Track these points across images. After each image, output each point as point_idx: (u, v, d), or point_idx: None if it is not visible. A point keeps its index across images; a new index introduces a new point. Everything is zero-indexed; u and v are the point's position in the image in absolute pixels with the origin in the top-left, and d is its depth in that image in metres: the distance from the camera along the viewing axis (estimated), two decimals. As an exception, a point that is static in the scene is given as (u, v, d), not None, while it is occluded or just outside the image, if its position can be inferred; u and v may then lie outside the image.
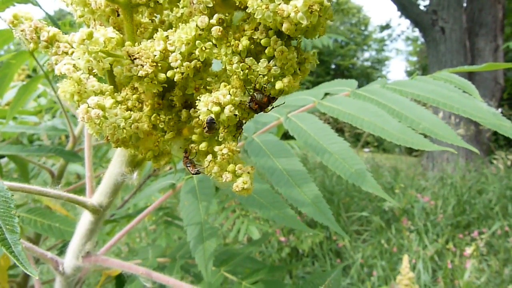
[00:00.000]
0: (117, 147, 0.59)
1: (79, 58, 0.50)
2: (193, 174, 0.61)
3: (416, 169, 10.21)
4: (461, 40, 10.86)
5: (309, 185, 1.18)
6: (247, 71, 0.52)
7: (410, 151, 13.40)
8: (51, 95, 1.97)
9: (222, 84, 0.54)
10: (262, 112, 0.56)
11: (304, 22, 0.42)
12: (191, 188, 1.25)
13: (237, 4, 0.49)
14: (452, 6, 10.75)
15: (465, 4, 11.33)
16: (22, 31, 0.60)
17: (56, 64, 0.61)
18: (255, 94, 0.54)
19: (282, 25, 0.45)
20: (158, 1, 0.57)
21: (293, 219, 1.12)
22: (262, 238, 2.28)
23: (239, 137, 0.60)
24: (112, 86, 0.59)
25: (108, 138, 0.56)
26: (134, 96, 0.64)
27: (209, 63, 0.64)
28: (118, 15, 0.58)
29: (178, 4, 0.55)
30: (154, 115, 0.61)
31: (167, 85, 0.58)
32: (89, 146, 0.89)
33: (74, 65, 0.56)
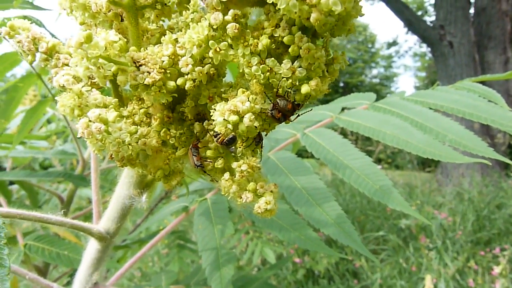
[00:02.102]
0: (122, 166, 0.52)
1: (77, 65, 0.44)
2: (196, 166, 0.54)
3: (431, 185, 10.01)
4: (470, 53, 10.80)
5: (330, 204, 1.11)
6: (268, 73, 0.45)
7: (423, 166, 13.18)
8: (60, 118, 1.93)
9: (240, 90, 0.47)
10: (284, 123, 0.49)
11: (338, 9, 0.36)
12: (205, 210, 1.18)
13: (255, -2, 0.43)
14: (459, 20, 10.73)
15: (472, 18, 11.31)
16: (19, 42, 0.55)
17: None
18: (278, 101, 0.47)
19: (309, 17, 0.38)
20: (165, 3, 0.52)
21: (316, 242, 1.04)
22: (280, 262, 2.19)
23: (260, 152, 0.53)
24: (117, 99, 0.53)
25: (112, 156, 0.50)
26: (142, 110, 0.58)
27: (222, 73, 0.57)
28: (122, 20, 0.52)
29: (188, 6, 0.50)
30: (163, 129, 0.55)
31: (178, 95, 0.52)
32: (96, 167, 0.83)
33: (74, 76, 0.50)
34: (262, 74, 0.45)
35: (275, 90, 0.47)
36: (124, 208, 0.67)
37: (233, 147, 0.50)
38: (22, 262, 1.26)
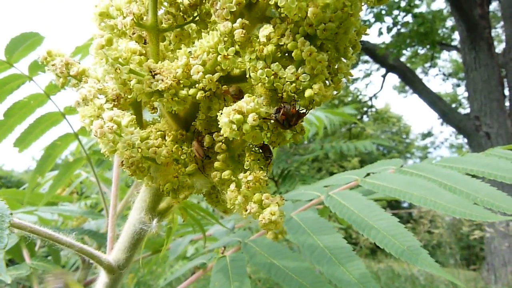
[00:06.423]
0: (132, 175, 0.53)
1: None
2: (200, 157, 0.55)
3: (477, 283, 9.23)
4: (509, 144, 10.57)
5: (354, 263, 1.06)
6: (272, 77, 0.47)
7: (467, 263, 12.26)
8: (90, 180, 1.99)
9: (246, 94, 0.49)
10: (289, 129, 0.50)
11: (331, -2, 0.38)
12: (222, 267, 1.14)
13: (262, 13, 0.46)
14: (495, 111, 10.71)
15: (508, 110, 11.25)
16: (53, 65, 0.60)
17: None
18: (282, 104, 0.49)
19: (311, 24, 0.41)
20: (184, 28, 0.56)
21: (337, 301, 0.97)
22: None
23: (268, 169, 0.53)
24: (135, 117, 0.56)
25: (123, 162, 0.51)
26: (158, 133, 0.60)
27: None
28: (145, 42, 0.57)
29: (206, 32, 0.54)
30: (176, 146, 0.56)
31: (191, 113, 0.54)
32: (114, 204, 0.84)
33: (98, 90, 0.54)
34: (267, 78, 0.47)
35: (280, 94, 0.49)
36: (135, 233, 0.66)
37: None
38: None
